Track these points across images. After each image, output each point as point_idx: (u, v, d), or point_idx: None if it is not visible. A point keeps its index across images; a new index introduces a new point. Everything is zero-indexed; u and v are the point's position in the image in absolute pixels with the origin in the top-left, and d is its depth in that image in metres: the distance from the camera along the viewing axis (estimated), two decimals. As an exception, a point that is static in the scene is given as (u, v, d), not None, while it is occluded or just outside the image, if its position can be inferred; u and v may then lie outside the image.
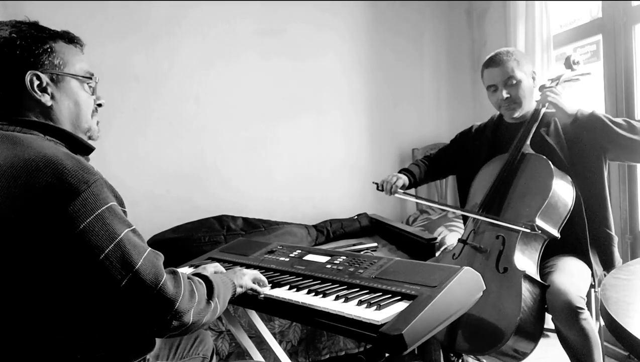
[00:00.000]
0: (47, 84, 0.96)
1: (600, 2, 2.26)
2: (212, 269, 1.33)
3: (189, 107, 2.80)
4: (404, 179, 1.96)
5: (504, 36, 2.70)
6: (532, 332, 1.42)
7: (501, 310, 1.42)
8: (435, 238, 2.23)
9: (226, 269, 1.36)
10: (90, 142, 1.05)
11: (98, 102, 1.07)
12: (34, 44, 0.94)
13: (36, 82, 0.94)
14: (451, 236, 2.56)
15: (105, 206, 0.87)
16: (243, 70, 2.87)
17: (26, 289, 0.86)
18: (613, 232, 1.68)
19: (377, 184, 1.97)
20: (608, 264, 1.66)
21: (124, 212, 0.94)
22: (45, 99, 0.96)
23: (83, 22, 2.49)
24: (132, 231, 0.90)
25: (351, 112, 3.10)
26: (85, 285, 0.87)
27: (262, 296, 1.24)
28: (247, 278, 1.24)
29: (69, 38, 1.01)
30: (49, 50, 0.95)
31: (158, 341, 1.24)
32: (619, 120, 1.57)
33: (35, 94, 0.94)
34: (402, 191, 1.93)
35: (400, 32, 3.15)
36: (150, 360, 1.14)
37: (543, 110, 1.72)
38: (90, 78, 1.03)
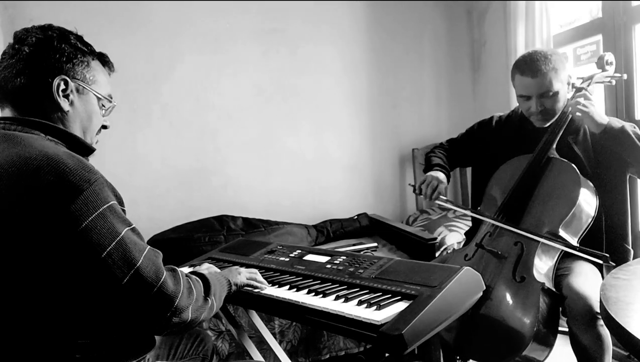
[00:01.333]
0: (72, 91, 1.01)
1: (600, 2, 2.25)
2: (205, 270, 1.33)
3: (189, 107, 2.80)
4: (445, 183, 1.75)
5: (504, 36, 2.69)
6: (546, 342, 1.39)
7: (516, 321, 1.37)
8: (435, 238, 2.23)
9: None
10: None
11: (104, 123, 1.12)
12: (74, 53, 1.01)
13: (62, 87, 0.99)
14: (451, 236, 2.56)
15: (107, 205, 0.88)
16: (243, 71, 2.87)
17: (27, 288, 0.86)
18: (630, 247, 1.63)
19: (414, 186, 1.80)
20: None
21: (123, 211, 0.95)
22: (65, 105, 1.00)
23: (83, 22, 2.44)
24: (131, 229, 0.92)
25: (351, 112, 3.10)
26: (86, 283, 0.87)
27: (260, 292, 1.24)
28: (243, 276, 1.26)
29: (104, 61, 1.10)
30: (85, 63, 1.03)
31: (158, 340, 1.24)
32: None
33: (57, 97, 0.98)
34: (444, 198, 1.73)
35: (401, 32, 3.14)
36: (150, 360, 1.14)
37: (571, 116, 1.62)
38: (110, 101, 1.10)
